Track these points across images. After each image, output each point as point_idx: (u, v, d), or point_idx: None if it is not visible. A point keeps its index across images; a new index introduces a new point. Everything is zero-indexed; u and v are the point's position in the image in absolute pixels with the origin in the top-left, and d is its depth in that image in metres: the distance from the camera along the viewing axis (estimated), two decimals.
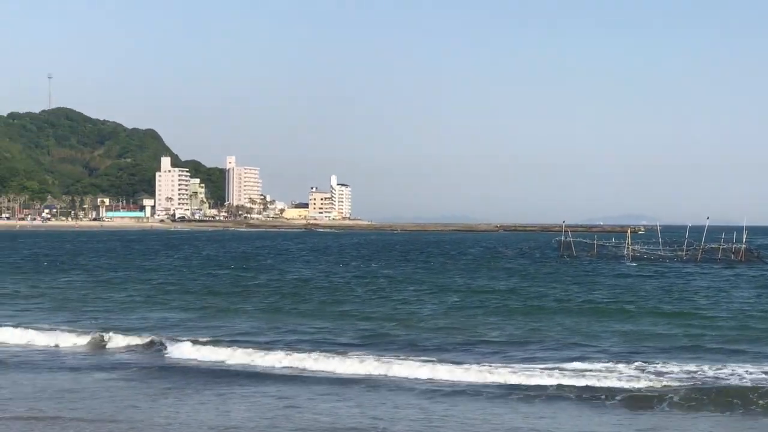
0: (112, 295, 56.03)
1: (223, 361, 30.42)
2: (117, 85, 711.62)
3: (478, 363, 29.29)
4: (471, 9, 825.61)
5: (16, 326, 37.92)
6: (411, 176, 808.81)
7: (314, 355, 30.66)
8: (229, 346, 32.64)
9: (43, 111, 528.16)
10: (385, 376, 27.74)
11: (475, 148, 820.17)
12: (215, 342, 33.98)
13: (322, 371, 28.51)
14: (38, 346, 34.06)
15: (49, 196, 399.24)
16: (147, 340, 34.32)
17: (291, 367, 29.19)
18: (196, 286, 64.64)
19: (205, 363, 30.15)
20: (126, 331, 37.01)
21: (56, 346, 34.16)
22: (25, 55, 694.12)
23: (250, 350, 31.67)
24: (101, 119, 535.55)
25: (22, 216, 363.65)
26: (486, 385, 26.07)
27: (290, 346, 33.04)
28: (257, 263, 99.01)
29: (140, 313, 46.09)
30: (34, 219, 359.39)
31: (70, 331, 36.49)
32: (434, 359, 29.89)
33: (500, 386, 25.93)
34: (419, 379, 27.14)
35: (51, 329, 37.23)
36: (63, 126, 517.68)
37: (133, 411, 22.45)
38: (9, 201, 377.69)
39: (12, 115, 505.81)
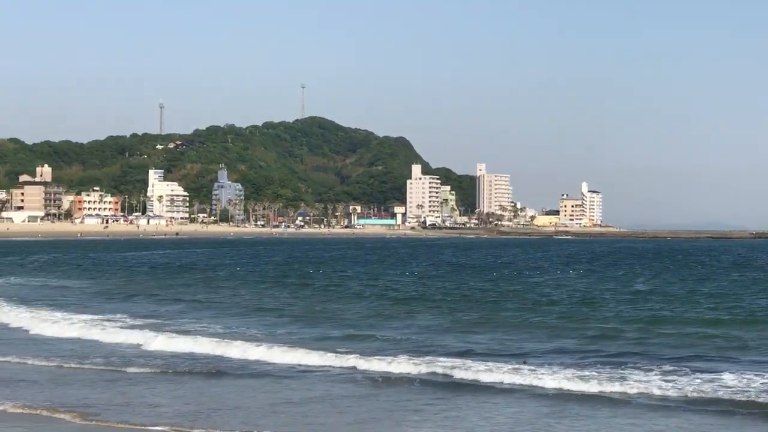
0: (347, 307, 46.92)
1: None
2: (368, 94, 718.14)
3: None
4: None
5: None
6: (662, 183, 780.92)
7: None
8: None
9: (297, 120, 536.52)
10: None
11: (731, 155, 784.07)
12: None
13: None
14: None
15: (303, 204, 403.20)
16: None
17: None
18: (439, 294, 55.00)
19: None
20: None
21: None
22: (280, 66, 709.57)
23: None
24: (353, 127, 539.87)
25: (277, 223, 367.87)
26: None
27: None
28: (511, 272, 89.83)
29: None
30: (288, 226, 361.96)
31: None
32: None
33: None
34: None
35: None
36: (315, 135, 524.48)
37: None
38: (264, 209, 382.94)
39: (267, 125, 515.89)
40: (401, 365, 26.91)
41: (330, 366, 27.47)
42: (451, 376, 25.48)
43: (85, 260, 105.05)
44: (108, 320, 39.32)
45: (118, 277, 73.01)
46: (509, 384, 24.50)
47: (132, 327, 36.76)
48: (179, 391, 24.01)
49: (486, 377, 25.17)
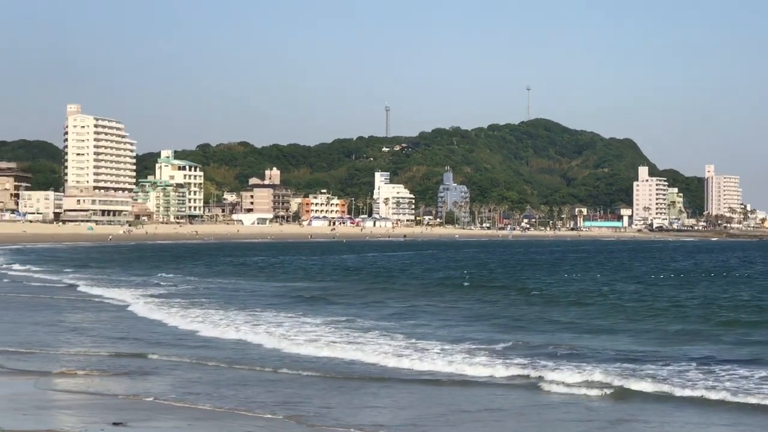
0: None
1: None
2: (594, 95, 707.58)
3: None
4: None
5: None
6: None
7: None
8: None
9: (522, 122, 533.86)
10: None
11: None
12: None
13: None
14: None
15: (528, 206, 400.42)
16: None
17: None
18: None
19: None
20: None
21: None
22: (506, 69, 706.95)
23: None
24: (578, 129, 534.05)
25: (502, 225, 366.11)
26: None
27: None
28: None
29: None
30: (514, 229, 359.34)
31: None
32: None
33: None
34: None
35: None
36: (541, 137, 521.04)
37: None
38: (489, 211, 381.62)
39: (492, 127, 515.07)
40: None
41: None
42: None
43: (316, 263, 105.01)
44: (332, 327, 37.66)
45: (334, 280, 72.01)
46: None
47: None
48: (399, 397, 22.39)
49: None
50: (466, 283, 62.67)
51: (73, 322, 38.20)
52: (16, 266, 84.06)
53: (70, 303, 47.40)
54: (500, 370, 25.58)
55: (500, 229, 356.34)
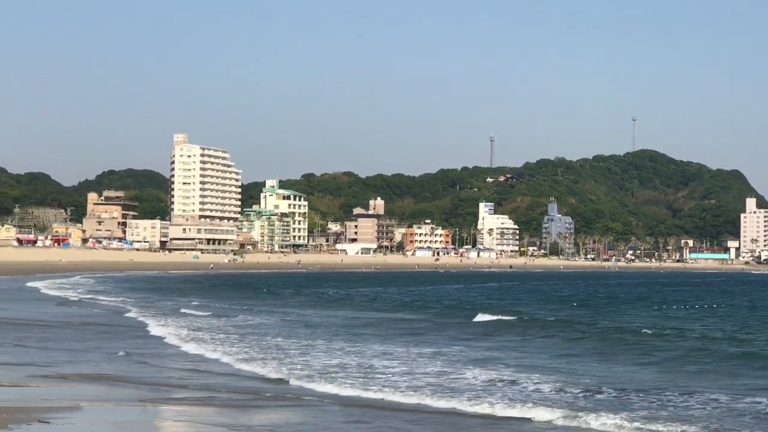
0: None
1: None
2: (700, 127, 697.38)
3: None
4: None
5: None
6: None
7: None
8: None
9: (627, 153, 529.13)
10: None
11: None
12: None
13: None
14: None
15: (633, 238, 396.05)
16: None
17: None
18: None
19: None
20: None
21: None
22: (612, 99, 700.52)
23: None
24: (684, 160, 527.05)
25: (607, 257, 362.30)
26: None
27: None
28: None
29: None
30: (618, 260, 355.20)
31: None
32: None
33: None
34: None
35: None
36: (646, 168, 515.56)
37: None
38: (594, 242, 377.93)
39: (597, 158, 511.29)
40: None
41: None
42: None
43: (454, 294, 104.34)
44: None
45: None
46: None
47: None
48: None
49: None
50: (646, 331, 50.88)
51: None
52: (105, 298, 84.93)
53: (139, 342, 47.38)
54: None
55: (605, 260, 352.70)
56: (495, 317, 58.50)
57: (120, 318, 56.13)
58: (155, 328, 48.59)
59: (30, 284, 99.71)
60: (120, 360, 34.49)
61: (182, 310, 62.45)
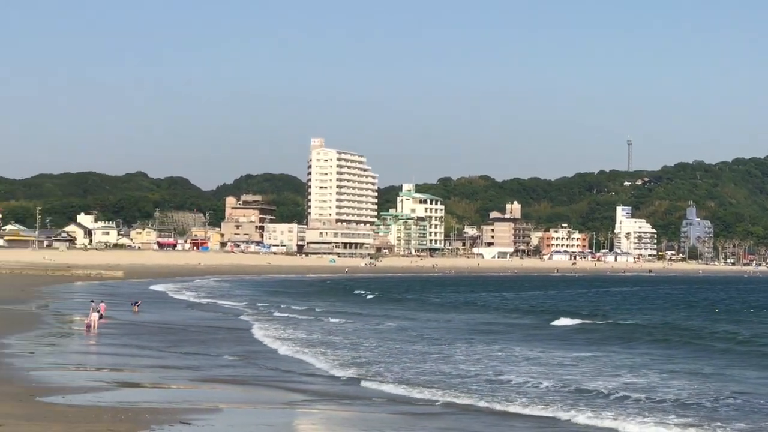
0: None
1: None
2: None
3: None
4: None
5: None
6: None
7: None
8: None
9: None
10: None
11: None
12: None
13: None
14: None
15: None
16: None
17: None
18: None
19: None
20: None
21: None
22: (752, 102, 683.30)
23: None
24: None
25: (747, 261, 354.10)
26: None
27: None
28: None
29: None
30: (759, 265, 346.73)
31: None
32: None
33: None
34: None
35: None
36: None
37: None
38: (734, 246, 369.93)
39: (737, 161, 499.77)
40: None
41: None
42: None
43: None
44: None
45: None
46: None
47: None
48: None
49: None
50: None
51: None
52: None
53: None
54: None
55: (745, 264, 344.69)
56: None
57: (247, 322, 57.00)
58: (286, 331, 49.30)
59: (159, 287, 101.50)
60: (251, 363, 35.13)
61: (319, 316, 63.22)
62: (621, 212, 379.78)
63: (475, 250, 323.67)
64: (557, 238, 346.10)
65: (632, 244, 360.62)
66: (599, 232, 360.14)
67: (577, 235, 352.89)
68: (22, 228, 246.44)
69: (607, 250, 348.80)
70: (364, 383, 30.31)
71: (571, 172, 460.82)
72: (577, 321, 61.38)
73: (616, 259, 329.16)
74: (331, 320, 58.95)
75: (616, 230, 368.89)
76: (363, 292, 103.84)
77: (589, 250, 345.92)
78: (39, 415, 21.64)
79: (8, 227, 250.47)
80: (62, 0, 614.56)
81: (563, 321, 61.03)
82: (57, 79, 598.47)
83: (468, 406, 26.42)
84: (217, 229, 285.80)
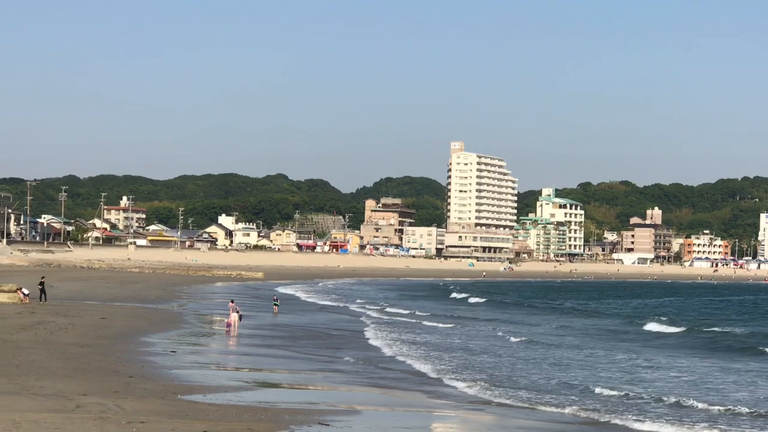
0: None
1: None
2: None
3: None
4: None
5: None
6: None
7: None
8: None
9: None
10: None
11: None
12: None
13: None
14: None
15: None
16: None
17: None
18: None
19: None
20: None
21: None
22: None
23: None
24: None
25: None
26: None
27: None
28: None
29: None
30: None
31: None
32: None
33: None
34: None
35: None
36: None
37: None
38: None
39: None
40: None
41: None
42: None
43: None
44: None
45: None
46: None
47: None
48: None
49: None
50: None
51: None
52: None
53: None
54: None
55: None
56: None
57: (377, 326, 57.12)
58: (421, 335, 49.22)
59: (297, 289, 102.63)
60: (381, 368, 35.12)
61: (457, 322, 63.00)
62: (765, 219, 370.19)
63: (614, 255, 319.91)
64: (699, 245, 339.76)
65: None
66: (742, 239, 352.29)
67: (719, 242, 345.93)
68: (165, 228, 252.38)
69: (750, 258, 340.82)
70: (496, 389, 30.00)
71: (714, 178, 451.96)
72: None
73: (759, 267, 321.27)
74: (467, 326, 58.74)
75: (760, 237, 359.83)
76: (501, 297, 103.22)
77: (732, 258, 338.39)
78: (181, 413, 21.93)
79: (152, 227, 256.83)
80: None
81: None
82: (205, 83, 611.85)
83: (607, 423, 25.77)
84: (357, 231, 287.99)
